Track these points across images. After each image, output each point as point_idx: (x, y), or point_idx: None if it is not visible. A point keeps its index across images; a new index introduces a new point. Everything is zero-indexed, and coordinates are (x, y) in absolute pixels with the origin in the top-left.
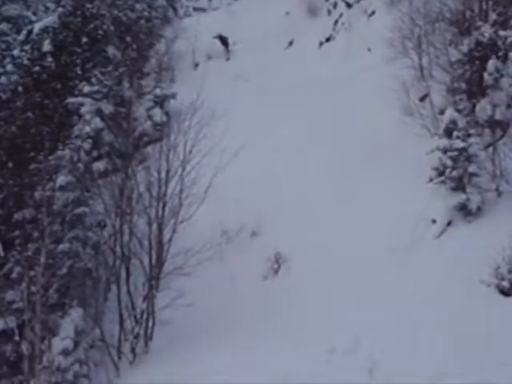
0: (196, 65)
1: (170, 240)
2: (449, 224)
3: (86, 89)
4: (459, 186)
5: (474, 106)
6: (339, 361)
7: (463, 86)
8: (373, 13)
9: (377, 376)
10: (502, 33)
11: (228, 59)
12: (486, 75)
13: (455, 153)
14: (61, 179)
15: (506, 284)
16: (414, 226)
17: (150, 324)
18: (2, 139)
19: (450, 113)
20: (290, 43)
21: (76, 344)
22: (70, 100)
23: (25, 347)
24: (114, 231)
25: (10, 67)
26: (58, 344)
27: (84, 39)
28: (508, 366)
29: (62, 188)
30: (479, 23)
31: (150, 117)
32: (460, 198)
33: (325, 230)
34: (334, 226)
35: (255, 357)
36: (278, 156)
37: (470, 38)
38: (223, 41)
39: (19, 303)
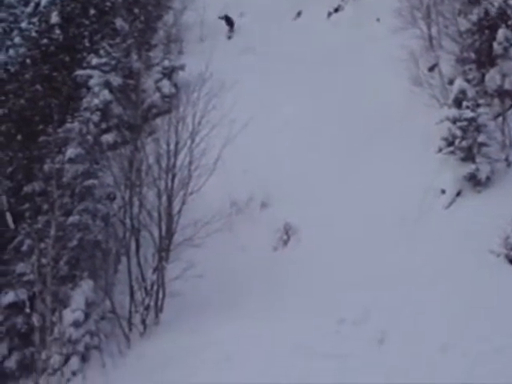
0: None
1: (179, 211)
2: (458, 194)
3: (95, 61)
4: (468, 156)
5: (483, 75)
6: (348, 331)
7: (472, 55)
8: None
9: (386, 346)
10: (511, 2)
11: (230, 38)
12: (495, 45)
13: (464, 123)
14: (70, 151)
15: None
16: (423, 197)
17: (160, 295)
18: (11, 112)
19: (459, 83)
20: (299, 14)
21: (87, 316)
22: (79, 72)
23: (36, 319)
24: (124, 203)
25: (17, 40)
26: (68, 316)
27: (92, 11)
28: None
29: (71, 160)
30: None
31: (158, 88)
32: (469, 168)
33: (334, 201)
34: (343, 198)
35: (264, 327)
36: (287, 127)
37: (479, 7)
38: (228, 21)
39: (30, 275)
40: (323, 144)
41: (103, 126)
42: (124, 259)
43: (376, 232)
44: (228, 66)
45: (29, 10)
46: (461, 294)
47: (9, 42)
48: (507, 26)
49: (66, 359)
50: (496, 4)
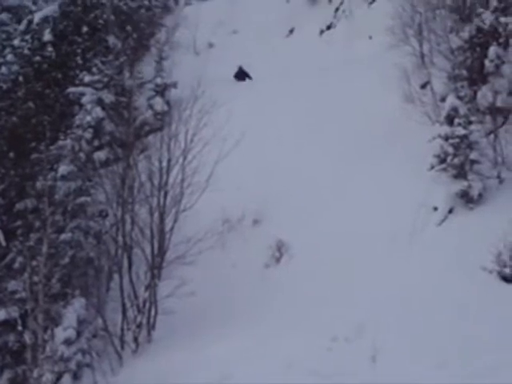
0: (197, 53)
1: (171, 229)
2: (450, 211)
3: (87, 78)
4: (461, 173)
5: (475, 92)
6: (341, 349)
7: (464, 72)
8: (373, 0)
9: (379, 363)
10: (502, 19)
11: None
12: (487, 62)
13: (456, 140)
14: (62, 169)
15: (507, 271)
16: (415, 214)
17: (153, 313)
18: (3, 129)
19: (451, 100)
20: (291, 31)
21: (79, 333)
22: (71, 90)
23: (27, 337)
24: (116, 220)
25: (10, 57)
26: (60, 334)
27: (84, 28)
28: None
29: (63, 178)
30: (480, 10)
31: (150, 106)
32: (461, 185)
33: (327, 218)
34: (336, 214)
35: (257, 345)
36: (280, 144)
37: (470, 24)
38: (243, 75)
39: (22, 293)
40: (316, 161)
41: (95, 143)
42: (116, 277)
43: (369, 249)
44: (221, 82)
45: (21, 27)
46: (454, 312)
47: (1, 60)
48: (499, 44)
49: (58, 377)
50: (487, 22)
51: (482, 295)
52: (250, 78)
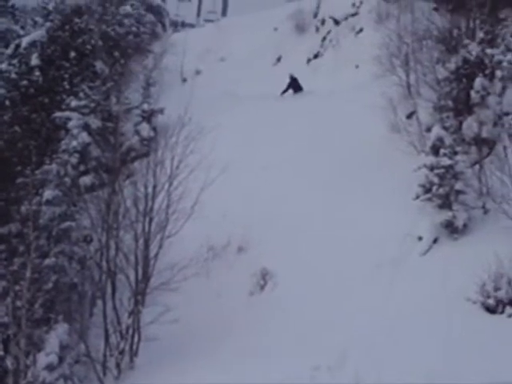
0: (184, 80)
1: (156, 255)
2: (435, 241)
3: (74, 103)
4: (446, 203)
5: (460, 123)
6: (324, 377)
7: (450, 103)
8: (361, 30)
9: None
10: (488, 51)
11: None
12: (472, 93)
13: (442, 170)
14: (47, 193)
15: (491, 302)
16: (400, 243)
17: (136, 339)
18: None
19: (436, 130)
20: (278, 59)
21: (61, 359)
22: (58, 114)
23: (9, 362)
24: (100, 246)
25: None
26: (42, 359)
27: (72, 54)
28: (495, 382)
29: (48, 202)
30: (466, 41)
31: (137, 132)
32: (446, 215)
33: (311, 246)
34: (321, 242)
35: (240, 373)
36: (265, 172)
37: (457, 55)
38: (294, 85)
39: (4, 318)
40: (301, 189)
41: (81, 168)
42: (100, 302)
43: (353, 277)
44: (208, 109)
45: (9, 51)
46: (437, 342)
47: None
48: (484, 75)
49: None
50: (474, 53)
51: (465, 326)
52: (301, 89)
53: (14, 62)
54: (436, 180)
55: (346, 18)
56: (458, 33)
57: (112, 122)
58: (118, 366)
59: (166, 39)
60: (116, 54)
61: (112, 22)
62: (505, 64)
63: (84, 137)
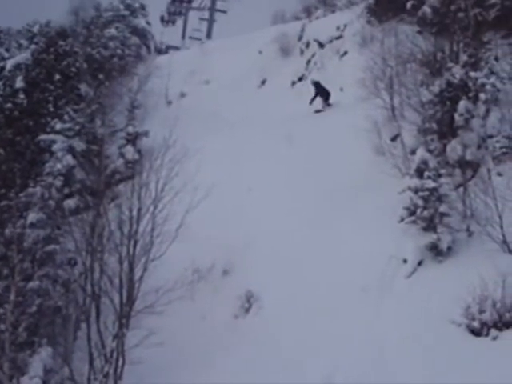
0: (169, 102)
1: (140, 278)
2: (420, 264)
3: (58, 126)
4: (430, 225)
5: (444, 146)
6: None
7: (434, 126)
8: (345, 53)
9: None
10: (472, 74)
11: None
12: (456, 116)
13: (426, 193)
14: (32, 216)
15: (476, 324)
16: (385, 266)
17: (120, 363)
18: None
19: (421, 153)
20: (263, 82)
21: (45, 383)
22: (42, 137)
23: None
24: (85, 269)
25: None
26: (26, 383)
27: (57, 76)
28: None
29: (32, 225)
30: (450, 64)
31: (122, 154)
32: (431, 237)
33: (296, 269)
34: (306, 265)
35: None
36: (250, 194)
37: (441, 78)
38: (322, 92)
39: None
40: (286, 212)
41: (66, 190)
42: (84, 326)
43: (338, 301)
44: (193, 132)
45: None
46: (422, 364)
47: None
48: (468, 98)
49: None
50: (457, 76)
51: (450, 348)
52: (329, 94)
53: None
54: (420, 202)
55: (330, 41)
56: (442, 56)
57: (97, 144)
58: None
59: (151, 62)
60: (101, 76)
61: (97, 44)
62: (488, 87)
63: (68, 159)
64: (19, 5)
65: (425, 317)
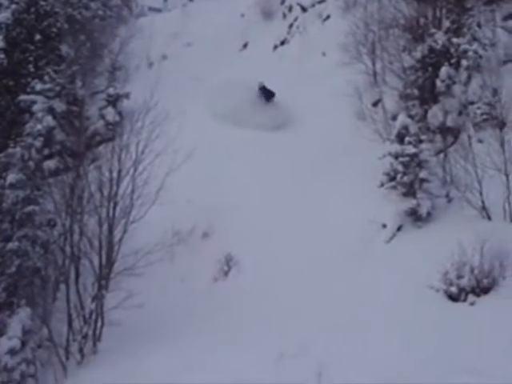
0: (150, 64)
1: (120, 240)
2: (399, 229)
3: (39, 86)
4: (410, 191)
5: (425, 112)
6: (288, 364)
7: (416, 92)
8: (328, 17)
9: (325, 379)
10: (454, 40)
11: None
12: (438, 82)
13: (406, 158)
14: (11, 177)
15: (454, 289)
16: (364, 231)
17: (99, 324)
18: None
19: (402, 118)
20: (245, 45)
21: (23, 343)
22: (22, 97)
23: None
24: (64, 230)
25: None
26: (4, 343)
27: (37, 36)
28: (458, 370)
29: (11, 186)
30: (433, 30)
31: (102, 116)
32: (410, 203)
33: (276, 233)
34: (287, 230)
35: (203, 359)
36: (231, 159)
37: (423, 44)
38: (265, 93)
39: None
40: (267, 176)
41: (45, 152)
42: (63, 287)
43: (318, 265)
44: (174, 94)
45: None
46: (400, 329)
47: None
48: (450, 64)
49: None
50: (440, 42)
51: (428, 313)
52: (273, 95)
53: None
54: (400, 168)
55: (313, 5)
56: (425, 22)
57: (77, 105)
58: (81, 350)
59: (133, 23)
60: (82, 37)
61: (78, 5)
62: (470, 53)
63: (49, 120)
64: None
65: (403, 282)
